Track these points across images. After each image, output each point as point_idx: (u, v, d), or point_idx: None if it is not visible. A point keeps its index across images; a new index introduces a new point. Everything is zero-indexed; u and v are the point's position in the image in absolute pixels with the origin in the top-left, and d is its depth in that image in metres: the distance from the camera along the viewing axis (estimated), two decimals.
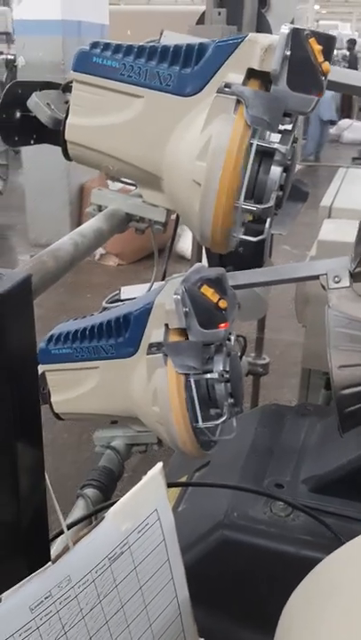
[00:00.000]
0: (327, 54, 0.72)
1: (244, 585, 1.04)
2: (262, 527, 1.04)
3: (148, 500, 0.59)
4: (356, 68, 9.25)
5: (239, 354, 1.93)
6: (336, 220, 1.65)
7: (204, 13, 1.62)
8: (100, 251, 5.04)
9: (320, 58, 0.71)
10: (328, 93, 8.85)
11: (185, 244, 4.34)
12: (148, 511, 0.59)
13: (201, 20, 1.65)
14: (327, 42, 0.72)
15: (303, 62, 0.70)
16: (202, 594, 1.08)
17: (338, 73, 0.80)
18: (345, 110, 10.61)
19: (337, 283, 0.93)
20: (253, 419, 1.34)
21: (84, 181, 5.31)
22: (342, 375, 0.82)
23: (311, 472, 1.11)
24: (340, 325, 0.85)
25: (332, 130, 9.94)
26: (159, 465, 0.61)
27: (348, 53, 10.85)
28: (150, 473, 0.60)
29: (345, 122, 9.93)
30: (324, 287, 0.94)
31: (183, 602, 0.66)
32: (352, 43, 10.94)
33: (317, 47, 0.71)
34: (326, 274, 0.94)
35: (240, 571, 1.04)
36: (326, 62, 0.72)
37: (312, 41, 0.71)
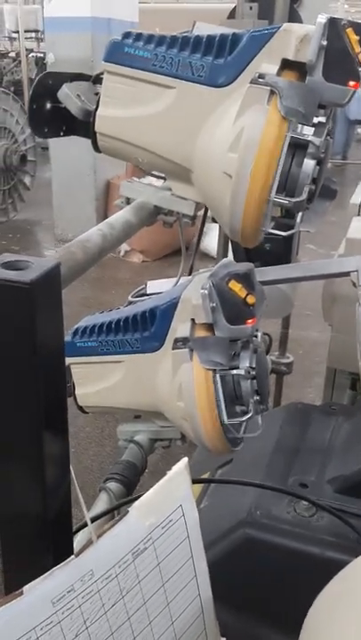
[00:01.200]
0: None
1: (267, 585, 1.02)
2: (286, 527, 1.03)
3: (172, 495, 0.58)
4: None
5: (266, 349, 1.92)
6: None
7: (235, 8, 1.60)
8: (125, 247, 5.04)
9: (357, 48, 0.69)
10: (358, 92, 8.75)
11: (210, 241, 4.32)
12: (173, 507, 0.58)
13: (232, 15, 1.64)
14: None
15: (340, 53, 0.69)
16: (223, 592, 1.07)
17: None
18: None
19: None
20: (278, 417, 1.32)
21: (110, 177, 5.32)
22: None
23: (337, 472, 1.09)
24: None
25: (359, 130, 9.82)
26: (185, 460, 0.60)
27: None
28: (176, 468, 0.59)
29: None
30: (354, 284, 0.92)
31: (206, 600, 0.65)
32: None
33: (355, 37, 0.69)
34: (357, 271, 0.92)
35: (262, 570, 1.03)
36: None
37: (349, 31, 0.69)
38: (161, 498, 0.57)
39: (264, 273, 0.96)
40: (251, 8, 1.46)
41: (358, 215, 1.61)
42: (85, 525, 0.58)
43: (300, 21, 1.58)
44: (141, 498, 0.56)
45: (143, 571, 0.56)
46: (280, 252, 1.45)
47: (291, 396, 3.19)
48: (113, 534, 0.53)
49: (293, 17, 1.57)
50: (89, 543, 0.51)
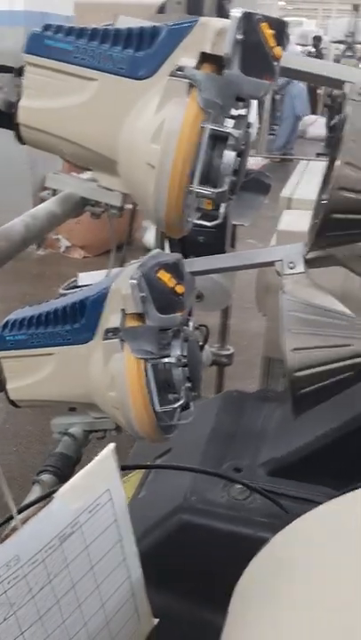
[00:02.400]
0: (280, 39, 0.73)
1: (204, 567, 1.05)
2: (220, 510, 1.06)
3: (99, 480, 0.59)
4: None
5: (201, 342, 1.94)
6: (295, 211, 1.66)
7: (164, 3, 1.61)
8: (66, 243, 4.99)
9: (272, 42, 0.72)
10: (303, 88, 8.94)
11: (151, 235, 4.33)
12: (100, 491, 0.59)
13: (162, 10, 1.65)
14: (279, 27, 0.73)
15: (255, 47, 0.71)
16: (162, 577, 1.09)
17: (291, 59, 0.81)
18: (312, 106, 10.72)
19: (292, 269, 0.94)
20: (214, 405, 1.35)
21: (48, 172, 5.24)
22: (296, 358, 0.83)
23: (269, 455, 1.12)
24: (294, 310, 0.87)
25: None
26: (111, 446, 0.61)
27: (313, 50, 10.93)
28: (102, 454, 0.60)
29: (310, 118, 10.02)
30: (279, 273, 0.95)
31: (136, 582, 0.66)
32: (318, 39, 11.02)
33: (269, 32, 0.71)
34: (282, 260, 0.95)
35: (199, 553, 1.05)
36: (279, 47, 0.73)
37: (264, 25, 0.71)
38: (87, 483, 0.58)
39: (193, 263, 0.98)
40: (179, 3, 1.47)
41: (289, 208, 1.65)
42: (13, 517, 0.58)
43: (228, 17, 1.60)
44: (67, 483, 0.56)
45: (71, 554, 0.57)
46: (214, 244, 1.48)
47: (233, 387, 3.24)
48: (38, 520, 0.53)
49: (222, 12, 1.60)
50: (13, 530, 0.52)
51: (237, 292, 2.76)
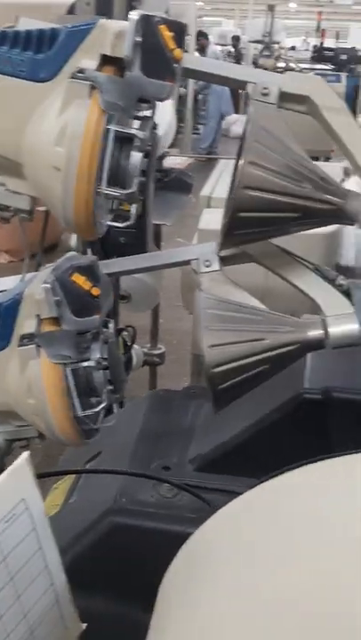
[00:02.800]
0: (179, 41, 0.74)
1: (137, 568, 1.05)
2: (150, 509, 1.06)
3: (13, 490, 0.58)
4: (240, 64, 9.50)
5: (130, 343, 1.95)
6: (215, 210, 1.69)
7: (74, 4, 1.60)
8: None
9: (172, 45, 0.73)
10: (226, 88, 9.04)
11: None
12: (15, 501, 0.58)
13: (72, 11, 1.63)
14: (179, 29, 0.74)
15: (155, 48, 0.72)
16: (96, 580, 1.09)
17: (194, 60, 0.82)
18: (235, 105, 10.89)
19: (207, 267, 0.96)
20: (142, 405, 1.35)
21: None
22: (213, 354, 0.85)
23: (196, 452, 1.14)
24: (211, 307, 0.88)
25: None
26: (24, 455, 0.60)
27: (233, 49, 11.11)
28: (15, 463, 0.59)
29: (233, 117, 10.18)
30: (195, 271, 0.97)
31: (60, 589, 0.66)
32: (236, 39, 11.21)
33: (168, 34, 0.72)
34: (198, 259, 0.96)
35: (132, 554, 1.05)
36: (179, 49, 0.74)
37: (163, 28, 0.72)
38: (1, 494, 0.57)
39: (110, 265, 0.97)
40: (88, 4, 1.47)
41: (208, 207, 1.68)
42: None
43: None
44: None
45: None
46: (135, 244, 1.48)
47: (166, 386, 3.26)
48: None
49: None
50: None
51: (167, 290, 2.78)
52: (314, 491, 0.61)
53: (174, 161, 3.39)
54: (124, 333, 1.80)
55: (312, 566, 0.51)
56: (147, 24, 0.71)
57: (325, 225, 0.84)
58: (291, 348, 0.87)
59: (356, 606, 0.45)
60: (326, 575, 0.49)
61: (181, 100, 7.45)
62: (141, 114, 0.76)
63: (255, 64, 7.81)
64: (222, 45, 11.79)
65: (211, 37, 11.23)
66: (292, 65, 7.54)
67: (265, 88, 0.83)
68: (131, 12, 0.70)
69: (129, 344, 1.82)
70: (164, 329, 3.53)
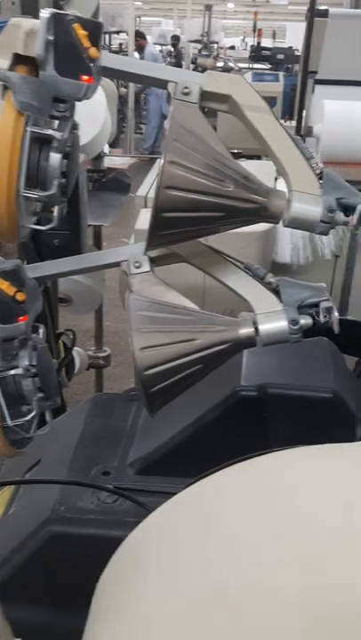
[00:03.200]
0: (94, 40, 0.72)
1: (78, 576, 1.03)
2: (90, 516, 1.05)
3: None
4: (181, 63, 9.52)
5: (70, 346, 1.92)
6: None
7: None
8: None
9: (86, 43, 0.71)
10: None
11: None
12: None
13: None
14: (93, 28, 0.73)
15: (69, 47, 0.70)
16: (37, 592, 1.06)
17: (113, 59, 0.81)
18: None
19: (138, 268, 0.95)
20: (83, 410, 1.33)
21: None
22: (144, 356, 0.84)
23: (136, 455, 1.13)
24: (141, 308, 0.87)
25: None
26: None
27: (172, 49, 11.13)
28: None
29: None
30: (126, 273, 0.96)
31: None
32: (176, 39, 11.23)
33: (82, 32, 0.71)
34: (128, 260, 0.95)
35: (73, 563, 1.03)
36: (94, 48, 0.72)
37: (76, 26, 0.71)
38: None
39: (38, 268, 0.95)
40: (13, 3, 1.43)
41: (145, 207, 1.67)
42: None
43: None
44: None
45: None
46: (69, 246, 1.46)
47: (115, 389, 3.23)
48: None
49: None
50: None
51: (113, 291, 2.76)
52: (241, 490, 0.61)
53: (116, 161, 3.37)
54: (64, 337, 1.77)
55: (238, 566, 0.51)
56: (59, 22, 0.70)
57: (250, 224, 0.84)
58: (222, 347, 0.87)
59: (285, 605, 0.45)
60: (256, 574, 0.49)
61: (123, 100, 7.42)
62: (59, 114, 0.75)
63: (194, 63, 7.84)
64: (162, 45, 11.80)
65: (150, 37, 11.22)
66: (230, 64, 7.62)
67: (186, 87, 0.82)
68: (42, 11, 0.68)
69: (69, 347, 1.79)
70: (111, 331, 3.50)
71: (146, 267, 0.95)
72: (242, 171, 0.81)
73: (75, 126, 0.78)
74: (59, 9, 1.58)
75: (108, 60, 0.79)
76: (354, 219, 0.83)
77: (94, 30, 0.72)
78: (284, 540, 0.49)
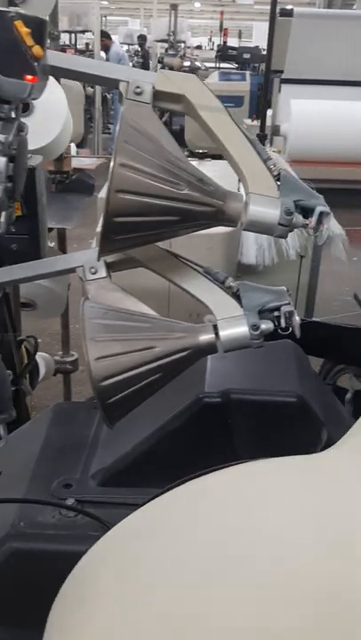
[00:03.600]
0: (38, 37, 0.69)
1: (40, 593, 1.00)
2: (51, 532, 1.01)
3: None
4: (148, 63, 9.47)
5: (33, 352, 1.87)
6: None
7: None
8: None
9: (29, 41, 0.68)
10: None
11: None
12: None
13: None
14: (37, 25, 0.69)
15: (10, 45, 0.67)
16: None
17: (60, 58, 0.78)
18: None
19: (94, 274, 0.92)
20: (44, 420, 1.29)
21: None
22: (100, 367, 0.81)
23: (99, 466, 1.10)
24: (96, 316, 0.84)
25: None
26: None
27: (140, 49, 11.08)
28: None
29: None
30: (82, 279, 0.92)
31: None
32: (143, 38, 11.17)
33: (25, 30, 0.67)
34: (83, 266, 0.92)
35: (34, 580, 1.00)
36: (38, 46, 0.69)
37: (18, 23, 0.67)
38: None
39: None
40: None
41: None
42: None
43: None
44: None
45: None
46: (28, 251, 1.42)
47: (84, 394, 3.18)
48: None
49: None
50: None
51: (80, 293, 2.71)
52: (198, 505, 0.58)
53: (84, 162, 3.31)
54: (26, 343, 1.73)
55: (191, 581, 0.48)
56: (1, 20, 0.66)
57: (208, 227, 0.81)
58: (182, 355, 0.84)
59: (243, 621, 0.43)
60: (206, 603, 0.46)
61: (90, 100, 7.36)
62: (3, 115, 0.71)
63: (161, 63, 7.80)
64: (129, 45, 11.74)
65: (117, 37, 11.15)
66: (197, 64, 7.60)
67: (138, 87, 0.79)
68: None
69: (32, 353, 1.74)
70: (79, 334, 3.44)
71: (102, 272, 0.92)
72: (197, 173, 0.78)
73: (21, 128, 0.74)
74: (14, 6, 1.54)
75: (54, 58, 0.76)
76: (313, 221, 0.81)
77: (38, 28, 0.69)
78: (240, 565, 0.47)
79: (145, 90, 0.80)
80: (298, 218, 0.80)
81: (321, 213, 0.81)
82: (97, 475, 1.08)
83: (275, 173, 0.81)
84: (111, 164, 0.71)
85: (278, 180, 0.81)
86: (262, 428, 1.06)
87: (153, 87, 0.80)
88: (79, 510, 0.95)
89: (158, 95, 0.81)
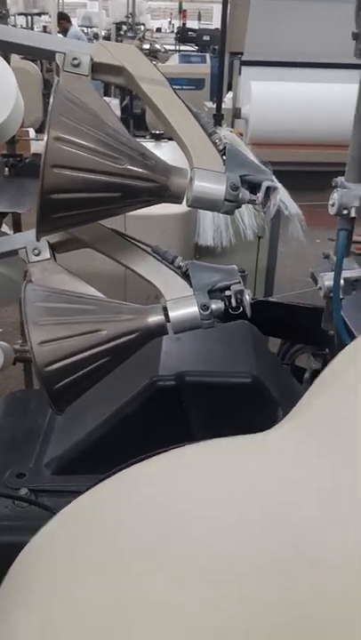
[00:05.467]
0: None
1: None
2: (5, 523, 0.98)
3: None
4: None
5: None
6: None
7: None
8: None
9: None
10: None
11: None
12: None
13: None
14: None
15: None
16: None
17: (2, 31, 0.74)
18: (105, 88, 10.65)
19: (37, 255, 0.89)
20: None
21: None
22: (44, 351, 0.78)
23: (53, 454, 1.07)
24: (39, 300, 0.81)
25: None
26: None
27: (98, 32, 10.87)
28: None
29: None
30: (25, 261, 0.89)
31: None
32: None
33: None
34: (25, 247, 0.89)
35: None
36: None
37: None
38: None
39: None
40: None
41: None
42: None
43: None
44: None
45: None
46: None
47: None
48: None
49: None
50: None
51: None
52: (131, 493, 0.56)
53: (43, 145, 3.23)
54: None
55: (127, 571, 0.47)
56: None
57: (152, 204, 0.79)
58: (131, 337, 0.82)
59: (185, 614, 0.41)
60: (150, 592, 0.45)
61: (48, 84, 7.20)
62: None
63: None
64: (88, 27, 11.52)
65: (75, 20, 10.90)
66: (157, 46, 7.49)
67: (75, 58, 0.76)
68: None
69: None
70: None
71: (46, 254, 0.89)
72: (139, 147, 0.75)
73: None
74: None
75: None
76: (260, 196, 0.79)
77: None
78: (170, 548, 0.45)
79: (82, 61, 0.76)
80: (244, 193, 0.78)
81: (268, 188, 0.79)
82: (51, 463, 1.05)
83: (220, 147, 0.79)
84: (44, 137, 0.67)
85: (224, 154, 0.79)
86: (218, 409, 1.04)
87: (91, 59, 0.77)
88: (30, 501, 0.92)
89: (97, 67, 0.77)
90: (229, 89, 4.96)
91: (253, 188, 0.79)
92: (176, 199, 0.77)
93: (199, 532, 0.44)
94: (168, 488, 0.51)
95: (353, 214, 0.84)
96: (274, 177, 0.83)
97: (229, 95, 4.77)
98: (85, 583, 0.49)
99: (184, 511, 0.47)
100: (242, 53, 5.03)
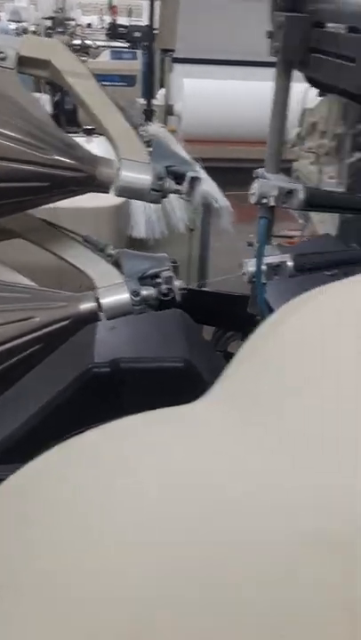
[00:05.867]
0: None
1: None
2: None
3: None
4: None
5: None
6: None
7: None
8: None
9: None
10: None
11: None
12: None
13: None
14: None
15: None
16: None
17: None
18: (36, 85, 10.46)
19: None
20: None
21: None
22: None
23: None
24: None
25: None
26: None
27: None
28: None
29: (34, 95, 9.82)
30: None
31: None
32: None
33: None
34: None
35: None
36: None
37: None
38: None
39: None
40: None
41: None
42: None
43: None
44: None
45: None
46: None
47: None
48: None
49: None
50: None
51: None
52: (69, 469, 0.59)
53: None
54: None
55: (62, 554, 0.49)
56: None
57: (81, 194, 0.81)
58: (63, 324, 0.84)
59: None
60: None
61: None
62: None
63: None
64: (17, 22, 11.28)
65: (3, 14, 10.67)
66: (88, 42, 7.42)
67: (1, 52, 0.77)
68: None
69: None
70: None
71: None
72: (66, 139, 0.78)
73: None
74: None
75: None
76: (185, 186, 0.83)
77: None
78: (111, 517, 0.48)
79: (9, 55, 0.78)
80: (170, 183, 0.82)
81: (192, 179, 0.83)
82: None
83: (145, 140, 0.82)
84: None
85: (149, 146, 0.82)
86: (152, 394, 1.07)
87: (17, 53, 0.78)
88: None
89: (23, 61, 0.79)
90: (162, 86, 4.99)
91: (179, 178, 0.83)
92: (104, 189, 0.80)
93: (127, 501, 0.47)
94: (94, 458, 0.54)
95: (272, 203, 0.89)
96: (200, 168, 0.87)
97: (162, 92, 4.80)
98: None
99: (108, 484, 0.50)
100: (173, 50, 5.07)
